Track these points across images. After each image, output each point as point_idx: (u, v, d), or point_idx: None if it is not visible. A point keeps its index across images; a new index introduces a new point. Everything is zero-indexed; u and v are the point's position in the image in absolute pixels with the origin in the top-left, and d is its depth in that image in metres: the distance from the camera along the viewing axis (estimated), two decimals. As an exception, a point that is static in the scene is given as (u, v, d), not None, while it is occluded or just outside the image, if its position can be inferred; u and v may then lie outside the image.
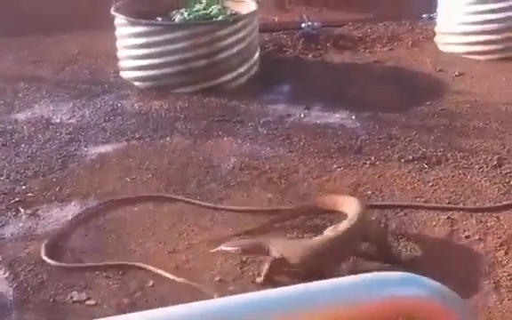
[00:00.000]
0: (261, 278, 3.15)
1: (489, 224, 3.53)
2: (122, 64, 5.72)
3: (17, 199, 3.92)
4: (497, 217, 3.58)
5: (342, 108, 4.97)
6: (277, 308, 0.98)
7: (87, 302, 3.05)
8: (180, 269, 3.23)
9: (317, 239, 3.25)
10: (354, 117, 4.81)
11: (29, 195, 3.97)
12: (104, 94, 5.42)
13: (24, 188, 4.04)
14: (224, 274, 3.21)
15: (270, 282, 3.11)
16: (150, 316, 0.97)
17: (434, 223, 3.56)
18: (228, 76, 5.49)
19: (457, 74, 5.59)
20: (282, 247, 3.19)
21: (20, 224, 3.68)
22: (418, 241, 3.41)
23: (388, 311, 1.01)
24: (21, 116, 5.07)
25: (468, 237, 3.45)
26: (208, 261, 3.28)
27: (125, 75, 5.67)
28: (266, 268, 3.13)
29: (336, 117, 4.85)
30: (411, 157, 4.22)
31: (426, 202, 3.75)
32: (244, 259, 3.29)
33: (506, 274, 3.14)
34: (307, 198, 3.82)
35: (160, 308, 1.01)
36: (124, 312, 2.72)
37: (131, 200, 3.87)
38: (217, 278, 3.18)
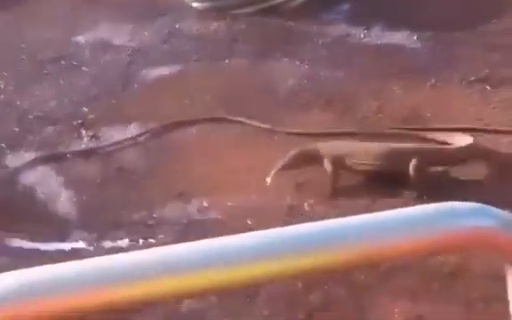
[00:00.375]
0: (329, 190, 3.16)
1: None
2: (180, -15, 5.68)
3: (79, 121, 4.02)
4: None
5: (404, 27, 4.82)
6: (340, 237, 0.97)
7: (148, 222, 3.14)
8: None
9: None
10: (415, 38, 4.67)
11: (91, 117, 4.06)
12: (162, 16, 5.41)
13: (86, 110, 4.12)
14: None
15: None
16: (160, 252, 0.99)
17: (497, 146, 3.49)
18: (287, -4, 5.39)
19: (526, -10, 5.33)
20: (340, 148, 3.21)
21: (83, 145, 3.78)
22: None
23: (456, 242, 0.99)
24: (81, 39, 5.13)
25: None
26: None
27: (183, -4, 5.64)
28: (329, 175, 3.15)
29: (397, 38, 4.72)
30: (473, 78, 4.09)
31: (487, 125, 3.66)
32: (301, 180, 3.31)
33: None
34: (365, 121, 3.79)
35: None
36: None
37: (189, 122, 3.92)
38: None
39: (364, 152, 3.29)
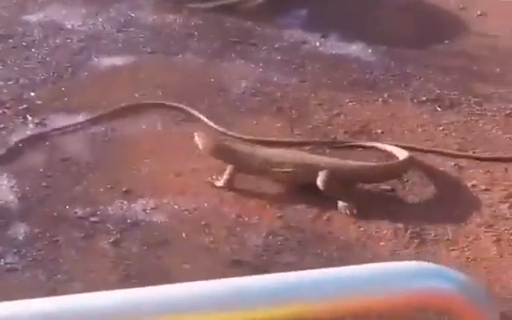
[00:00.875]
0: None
1: (496, 175, 3.51)
2: (138, -28, 5.59)
3: (25, 106, 3.90)
4: (505, 168, 3.55)
5: (359, 39, 4.86)
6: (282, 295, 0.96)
7: (91, 219, 3.07)
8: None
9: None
10: (370, 51, 4.72)
11: (38, 102, 3.95)
12: (118, 2, 5.31)
13: (32, 95, 4.01)
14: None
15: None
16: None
17: (441, 168, 3.55)
18: (246, -5, 5.37)
19: (479, 13, 5.44)
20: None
21: (27, 132, 3.68)
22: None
23: (411, 303, 0.99)
24: (33, 18, 4.99)
25: (474, 186, 3.43)
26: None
27: (141, -16, 5.54)
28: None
29: (352, 49, 4.75)
30: (424, 98, 4.16)
31: (435, 146, 3.72)
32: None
33: (508, 228, 3.14)
34: (315, 131, 3.80)
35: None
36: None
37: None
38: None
39: (280, 159, 3.30)
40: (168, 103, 3.95)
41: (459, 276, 1.01)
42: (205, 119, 3.81)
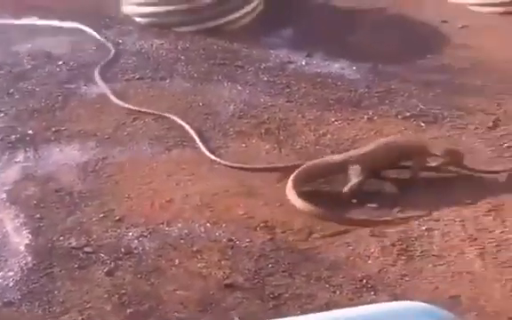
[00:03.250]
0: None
1: (480, 188, 3.59)
2: (124, -1, 5.67)
3: (16, 136, 3.97)
4: (488, 181, 3.64)
5: (343, 57, 4.96)
6: None
7: (85, 249, 3.13)
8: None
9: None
10: (354, 68, 4.81)
11: (29, 132, 4.02)
12: (105, 29, 5.40)
13: (24, 126, 4.08)
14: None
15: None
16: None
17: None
18: (232, 17, 5.46)
19: (461, 26, 5.55)
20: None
21: (19, 163, 3.74)
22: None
23: None
24: (21, 48, 5.06)
25: (459, 200, 3.50)
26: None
27: (127, 10, 5.63)
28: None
29: (336, 67, 4.84)
30: (408, 114, 4.24)
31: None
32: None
33: (492, 240, 3.21)
34: (303, 151, 3.87)
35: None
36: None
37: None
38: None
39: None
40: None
41: (445, 315, 1.07)
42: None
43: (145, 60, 4.93)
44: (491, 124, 4.14)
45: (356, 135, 4.05)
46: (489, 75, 4.75)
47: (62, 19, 5.49)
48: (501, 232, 3.23)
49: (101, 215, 3.35)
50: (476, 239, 3.21)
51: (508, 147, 3.89)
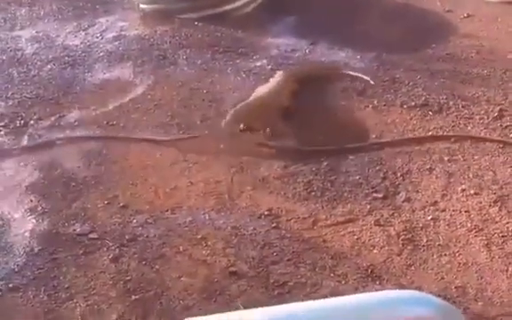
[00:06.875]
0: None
1: (485, 178, 3.58)
2: (127, -16, 5.64)
3: (20, 122, 3.95)
4: (493, 171, 3.63)
5: (348, 46, 4.93)
6: None
7: (90, 235, 3.12)
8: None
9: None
10: (359, 57, 4.79)
11: (34, 117, 4.00)
12: (108, 15, 5.37)
13: (27, 111, 4.06)
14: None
15: None
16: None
17: (431, 173, 3.62)
18: (236, 4, 5.43)
19: (465, 15, 5.52)
20: None
21: (24, 149, 3.73)
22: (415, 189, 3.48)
23: None
24: (25, 34, 5.04)
25: (463, 191, 3.50)
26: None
27: (131, -5, 5.61)
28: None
29: (341, 56, 4.82)
30: (413, 104, 4.23)
31: (427, 151, 3.79)
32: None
33: (498, 231, 3.21)
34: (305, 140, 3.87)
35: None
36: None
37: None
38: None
39: None
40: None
41: (438, 302, 1.08)
42: None
43: (148, 47, 4.90)
44: (496, 113, 4.13)
45: (362, 125, 4.03)
46: (494, 64, 4.72)
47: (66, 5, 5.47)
48: (507, 223, 3.22)
49: (106, 202, 3.35)
50: (481, 229, 3.20)
51: (514, 137, 3.88)
